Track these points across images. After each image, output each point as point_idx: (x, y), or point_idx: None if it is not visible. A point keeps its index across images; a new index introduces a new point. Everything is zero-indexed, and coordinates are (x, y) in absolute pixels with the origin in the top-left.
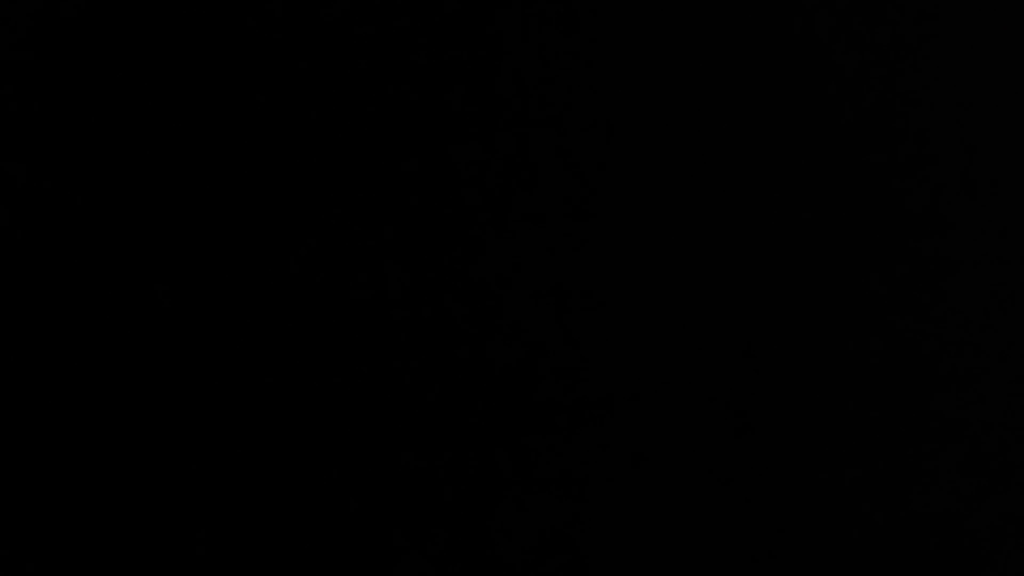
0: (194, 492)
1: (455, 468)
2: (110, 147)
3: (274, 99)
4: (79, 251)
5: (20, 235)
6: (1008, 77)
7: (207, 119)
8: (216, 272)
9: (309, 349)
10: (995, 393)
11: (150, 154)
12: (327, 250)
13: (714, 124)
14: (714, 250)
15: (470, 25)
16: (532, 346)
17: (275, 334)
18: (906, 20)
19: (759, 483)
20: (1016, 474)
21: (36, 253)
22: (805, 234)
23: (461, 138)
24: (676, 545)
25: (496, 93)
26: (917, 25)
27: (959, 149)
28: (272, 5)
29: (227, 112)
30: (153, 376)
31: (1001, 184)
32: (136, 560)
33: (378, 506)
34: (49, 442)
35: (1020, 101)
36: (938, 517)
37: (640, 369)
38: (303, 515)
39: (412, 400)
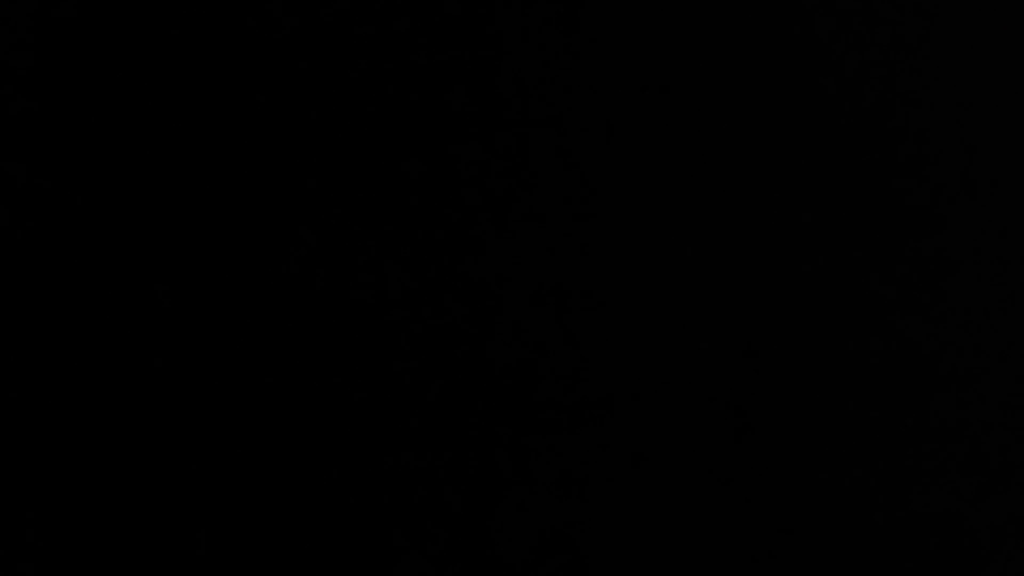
0: (194, 492)
1: (455, 468)
2: (110, 147)
3: (274, 99)
4: (79, 251)
5: (20, 235)
6: (1008, 77)
7: (207, 119)
8: (216, 272)
9: (309, 349)
10: (995, 393)
11: (150, 154)
12: (327, 250)
13: (714, 124)
14: (714, 250)
15: (470, 25)
16: (532, 346)
17: (275, 334)
18: (906, 20)
19: (759, 483)
20: (1016, 474)
21: (36, 253)
22: (805, 234)
23: (461, 138)
24: (676, 545)
25: (496, 93)
26: (917, 25)
27: (959, 149)
28: (272, 5)
29: (227, 112)
30: (153, 376)
31: (1001, 184)
32: (136, 560)
33: (378, 506)
34: (49, 442)
35: (1020, 101)
36: (938, 517)
37: (640, 369)
38: (303, 515)
39: (412, 400)
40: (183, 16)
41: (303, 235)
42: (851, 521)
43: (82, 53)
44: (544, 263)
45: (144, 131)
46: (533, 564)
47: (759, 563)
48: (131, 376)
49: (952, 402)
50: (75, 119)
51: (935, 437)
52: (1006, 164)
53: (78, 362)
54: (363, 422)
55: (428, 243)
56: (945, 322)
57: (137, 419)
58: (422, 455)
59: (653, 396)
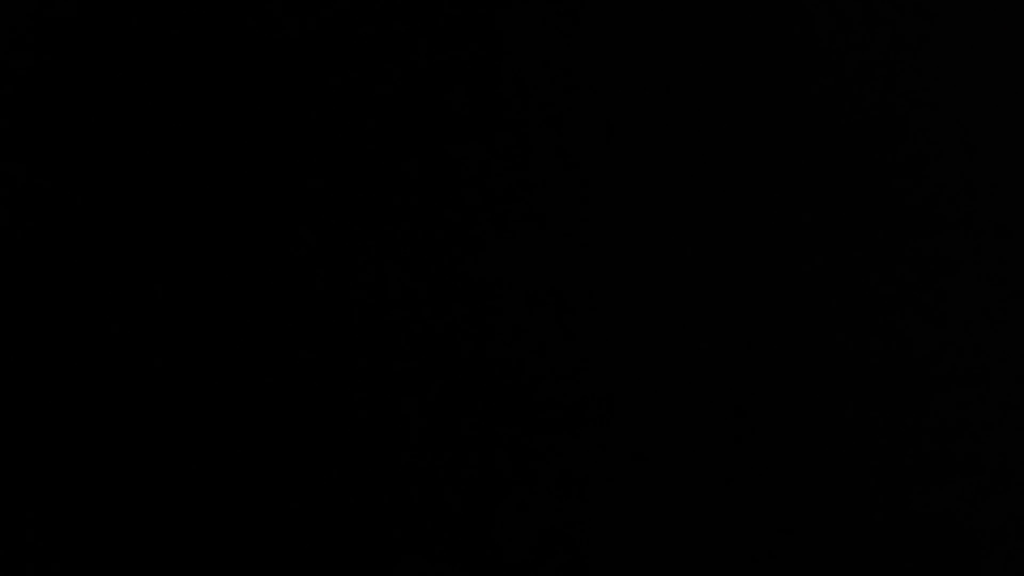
0: (194, 492)
1: (455, 468)
2: (110, 147)
3: (274, 99)
4: (79, 251)
5: (20, 235)
6: (1008, 77)
7: (208, 119)
8: (216, 272)
9: (309, 349)
10: (995, 393)
11: (150, 154)
12: (327, 250)
13: (714, 125)
14: (714, 250)
15: (470, 25)
16: (533, 346)
17: (275, 334)
18: (906, 20)
19: (759, 483)
20: (1016, 474)
21: (36, 253)
22: (805, 234)
23: (461, 138)
24: (676, 545)
25: (497, 93)
26: (917, 25)
27: (959, 149)
28: (272, 5)
29: (228, 112)
30: (153, 376)
31: (1001, 184)
32: (136, 560)
33: (378, 506)
34: (49, 442)
35: (1020, 101)
36: (937, 517)
37: (640, 369)
38: (303, 515)
39: (412, 400)
40: (183, 16)
41: (303, 235)
42: (851, 521)
43: (82, 53)
44: (544, 263)
45: (144, 131)
46: (533, 564)
47: (759, 563)
48: (131, 376)
49: (952, 402)
50: (75, 119)
51: (935, 437)
52: (1006, 164)
53: (78, 362)
54: (363, 422)
55: (428, 243)
56: (945, 322)
57: (137, 419)
58: (422, 455)
59: (653, 396)
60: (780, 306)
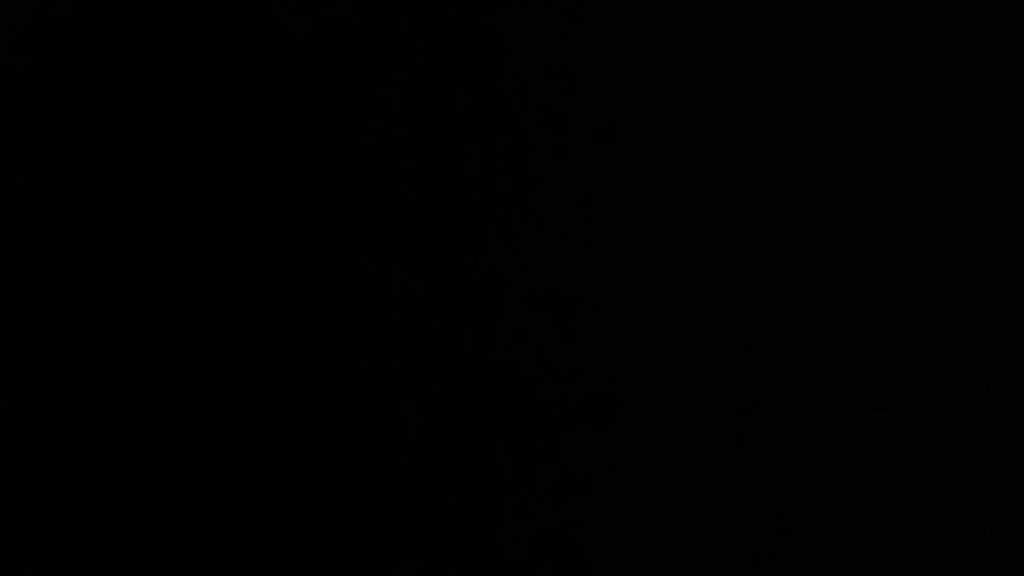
0: (194, 492)
1: (455, 469)
2: (110, 147)
3: (274, 99)
4: (79, 251)
5: (20, 235)
6: (1008, 76)
7: (209, 119)
8: (216, 272)
9: (309, 349)
10: (995, 393)
11: (150, 154)
12: (328, 250)
13: (714, 125)
14: (715, 250)
15: (471, 25)
16: (533, 346)
17: (275, 334)
18: (906, 20)
19: (759, 483)
20: (1016, 474)
21: (36, 253)
22: (805, 235)
23: (462, 138)
24: (677, 545)
25: (497, 93)
26: (917, 25)
27: (959, 149)
28: (273, 5)
29: (228, 112)
30: (153, 376)
31: (1002, 184)
32: (136, 560)
33: (379, 507)
34: (49, 442)
35: (1020, 101)
36: (938, 517)
37: (641, 369)
38: (304, 515)
39: (413, 400)
40: (183, 16)
41: (303, 235)
42: (851, 522)
43: (82, 53)
44: (545, 263)
45: (145, 131)
46: (534, 565)
47: (759, 563)
48: (131, 376)
49: (952, 402)
50: (75, 119)
51: (935, 437)
52: (1006, 164)
53: (78, 363)
54: (364, 422)
55: (429, 243)
56: (945, 322)
57: (137, 419)
58: (422, 455)
59: (653, 396)
60: (780, 306)
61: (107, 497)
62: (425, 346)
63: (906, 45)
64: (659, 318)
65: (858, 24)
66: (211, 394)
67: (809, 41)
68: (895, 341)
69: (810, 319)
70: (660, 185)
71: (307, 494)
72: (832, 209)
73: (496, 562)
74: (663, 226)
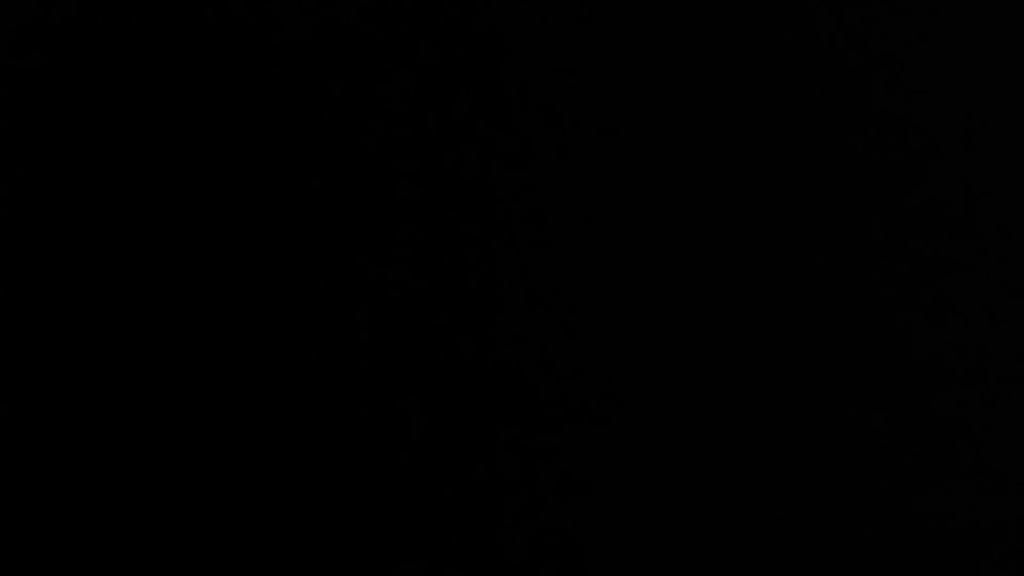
0: (194, 493)
1: (456, 469)
2: (110, 147)
3: (275, 99)
4: (79, 251)
5: (20, 235)
6: (1009, 76)
7: (209, 119)
8: (217, 272)
9: (310, 349)
10: (996, 393)
11: (151, 154)
12: (328, 250)
13: (714, 126)
14: (716, 250)
15: (472, 25)
16: (534, 346)
17: (276, 334)
18: (906, 20)
19: (760, 484)
20: (1016, 474)
21: (36, 253)
22: (805, 235)
23: (462, 138)
24: (677, 545)
25: (497, 93)
26: (917, 25)
27: (960, 149)
28: (273, 5)
29: (228, 112)
30: (153, 376)
31: (1002, 184)
32: (136, 560)
33: (379, 507)
34: (49, 442)
35: (1021, 101)
36: (938, 518)
37: (641, 369)
38: (304, 516)
39: (413, 400)
40: (183, 16)
41: (304, 235)
42: (852, 522)
43: (82, 53)
44: (546, 263)
45: (146, 131)
46: (535, 565)
47: (760, 563)
48: (131, 376)
49: (953, 402)
50: (75, 119)
51: (935, 437)
52: (1007, 164)
53: (78, 362)
54: (364, 423)
55: (429, 243)
56: (945, 322)
57: (137, 419)
58: (422, 456)
59: (654, 396)
60: (780, 306)
61: (107, 497)
62: (425, 346)
63: (906, 45)
64: (660, 318)
65: (858, 24)
66: (211, 394)
67: (809, 41)
68: (895, 341)
69: (810, 319)
70: (660, 185)
71: (307, 494)
72: (832, 209)
73: (496, 562)
74: (664, 226)
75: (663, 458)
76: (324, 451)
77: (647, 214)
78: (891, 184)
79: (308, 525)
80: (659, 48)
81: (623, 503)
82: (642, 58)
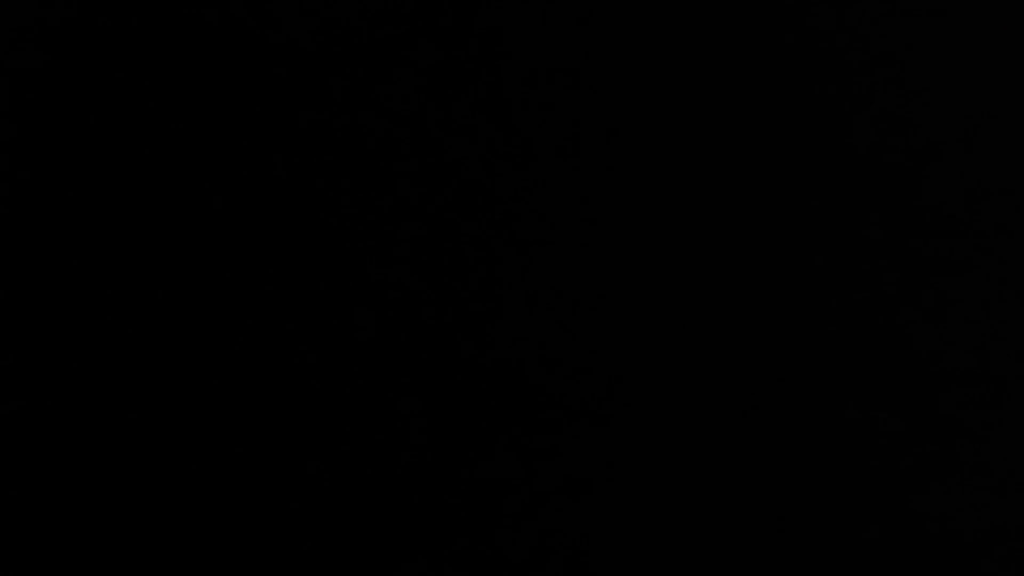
0: (194, 492)
1: (456, 469)
2: (111, 147)
3: (275, 99)
4: (79, 251)
5: (20, 235)
6: (1010, 76)
7: (209, 119)
8: (217, 272)
9: (311, 349)
10: (996, 393)
11: (151, 154)
12: (329, 250)
13: (714, 126)
14: (716, 250)
15: (471, 24)
16: (534, 346)
17: (277, 334)
18: (907, 20)
19: (761, 484)
20: (1017, 475)
21: (36, 253)
22: (806, 235)
23: (463, 138)
24: (679, 545)
25: (497, 93)
26: (917, 25)
27: (961, 149)
28: (273, 5)
29: (229, 112)
30: (153, 376)
31: (1002, 184)
32: (136, 560)
33: (379, 507)
34: (49, 442)
35: (1021, 101)
36: (938, 518)
37: (643, 369)
38: (304, 516)
39: (413, 400)
40: (184, 16)
41: (306, 235)
42: (852, 521)
43: (82, 53)
44: (546, 263)
45: (146, 131)
46: (535, 565)
47: (760, 563)
48: (131, 376)
49: (953, 402)
50: (76, 119)
51: (936, 437)
52: (1008, 163)
53: (79, 362)
54: (365, 423)
55: (430, 243)
56: (945, 322)
57: (137, 419)
58: (423, 456)
59: (655, 396)
60: (781, 306)
61: (107, 497)
62: (426, 346)
63: (906, 45)
64: (660, 318)
65: (858, 24)
66: (211, 394)
67: (810, 41)
68: (896, 341)
69: (811, 319)
70: (661, 185)
71: (308, 494)
72: (833, 209)
73: (497, 562)
74: (665, 226)
75: (664, 458)
76: (324, 451)
77: (648, 214)
78: (892, 184)
79: (308, 525)
80: (660, 48)
81: (624, 503)
82: (643, 58)
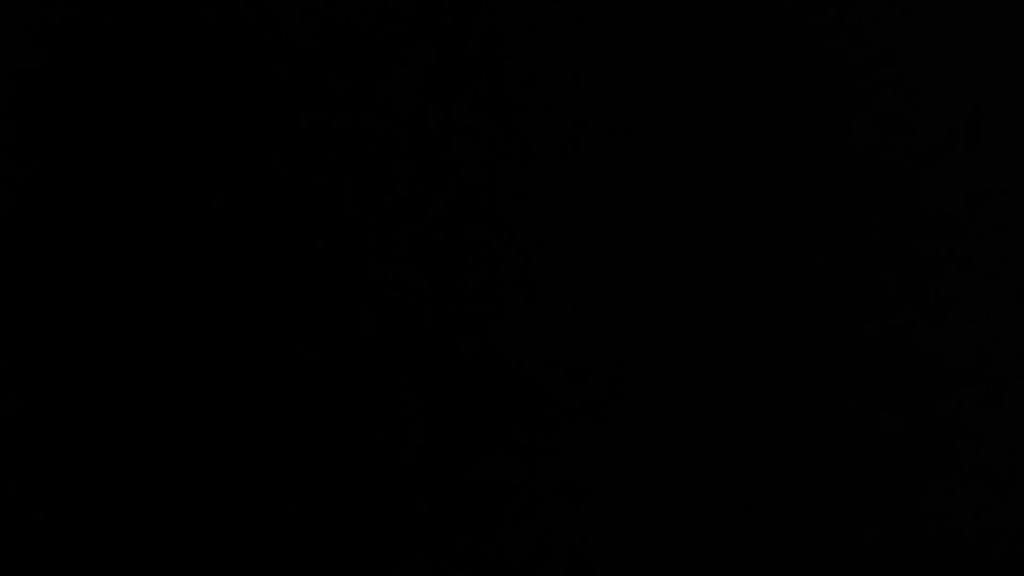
0: (194, 492)
1: (457, 469)
2: (111, 147)
3: (275, 99)
4: (80, 251)
5: (20, 235)
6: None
7: (210, 119)
8: (217, 272)
9: (313, 349)
10: (996, 393)
11: (152, 154)
12: (329, 250)
13: (715, 125)
14: (717, 250)
15: (471, 24)
16: (535, 346)
17: (279, 334)
18: (907, 20)
19: (761, 483)
20: (1017, 475)
21: (36, 253)
22: (807, 235)
23: (463, 137)
24: (679, 545)
25: (496, 92)
26: (918, 24)
27: (961, 149)
28: (272, 5)
29: (229, 112)
30: (153, 376)
31: (1003, 184)
32: (136, 560)
33: (379, 507)
34: (49, 442)
35: (1021, 101)
36: (939, 518)
37: (644, 369)
38: (305, 515)
39: (414, 400)
40: (184, 16)
41: (308, 234)
42: (853, 521)
43: (82, 53)
44: (547, 262)
45: (147, 132)
46: (535, 565)
47: (761, 563)
48: (131, 376)
49: (954, 402)
50: (76, 119)
51: (936, 437)
52: (1008, 163)
53: (79, 363)
54: (366, 423)
55: (430, 243)
56: (946, 322)
57: (137, 419)
58: (423, 455)
59: (656, 396)
60: (782, 306)
61: (107, 497)
62: (426, 346)
63: (906, 45)
64: (661, 318)
65: (858, 24)
66: (212, 394)
67: (810, 41)
68: (896, 341)
69: (811, 319)
70: (662, 185)
71: (308, 494)
72: (833, 209)
73: (497, 563)
74: (665, 226)
75: (664, 458)
76: (325, 451)
77: (648, 214)
78: (892, 184)
79: (308, 525)
80: (660, 48)
81: (624, 503)
82: (643, 58)
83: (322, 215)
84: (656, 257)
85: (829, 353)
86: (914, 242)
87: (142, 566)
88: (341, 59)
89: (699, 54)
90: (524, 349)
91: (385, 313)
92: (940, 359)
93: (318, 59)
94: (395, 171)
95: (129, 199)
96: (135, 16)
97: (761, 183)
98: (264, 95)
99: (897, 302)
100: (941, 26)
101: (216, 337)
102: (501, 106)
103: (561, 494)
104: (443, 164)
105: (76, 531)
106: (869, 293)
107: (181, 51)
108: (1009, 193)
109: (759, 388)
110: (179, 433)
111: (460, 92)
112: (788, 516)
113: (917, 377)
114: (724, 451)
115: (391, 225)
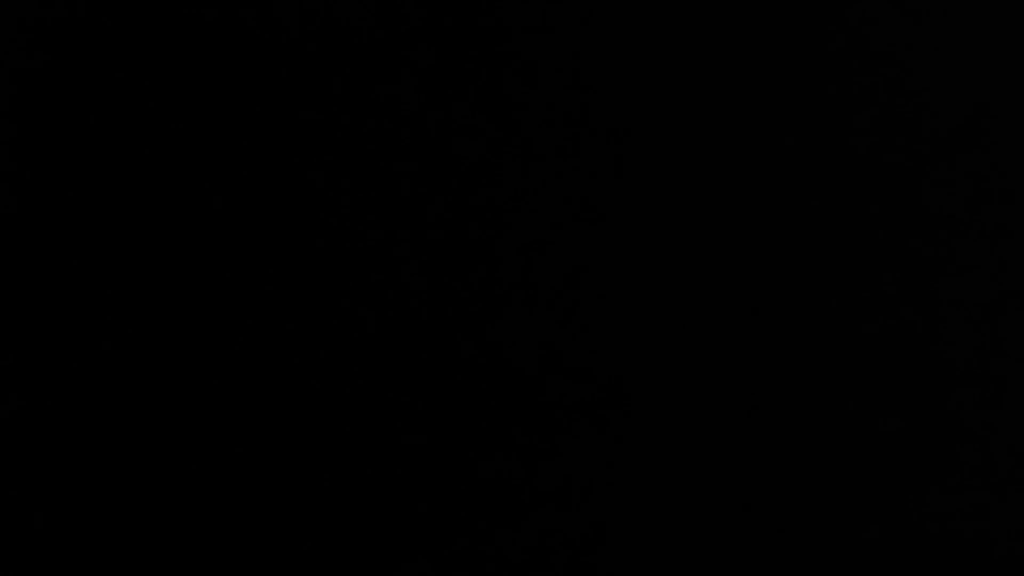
0: (194, 492)
1: (457, 469)
2: (111, 147)
3: (276, 99)
4: (80, 251)
5: (20, 235)
6: (1011, 75)
7: (210, 119)
8: (217, 272)
9: (314, 349)
10: (998, 394)
11: (152, 154)
12: (329, 250)
13: (717, 125)
14: (719, 250)
15: (472, 24)
16: (536, 346)
17: (280, 333)
18: (908, 19)
19: (762, 483)
20: (1018, 476)
21: (36, 253)
22: (808, 235)
23: (464, 137)
24: (680, 545)
25: (497, 92)
26: (919, 24)
27: (961, 149)
28: (272, 5)
29: (229, 112)
30: (153, 376)
31: (1003, 184)
32: (136, 560)
33: (379, 507)
34: (49, 442)
35: (1021, 101)
36: (939, 518)
37: (645, 369)
38: (304, 515)
39: (414, 400)
40: (184, 16)
41: (309, 234)
42: (854, 521)
43: (82, 53)
44: (548, 262)
45: (147, 132)
46: (536, 565)
47: (762, 563)
48: (131, 376)
49: (953, 402)
50: (76, 119)
51: (937, 438)
52: (1008, 163)
53: (79, 363)
54: (367, 423)
55: (430, 243)
56: (947, 322)
57: (137, 419)
58: (423, 455)
59: (656, 396)
60: (783, 306)
61: (107, 497)
62: (426, 346)
63: (906, 45)
64: (662, 317)
65: (859, 24)
66: (212, 394)
67: (810, 41)
68: (896, 341)
69: (811, 319)
70: (663, 185)
71: (308, 494)
72: (834, 209)
73: (497, 562)
74: (665, 226)
75: (665, 458)
76: (325, 451)
77: (648, 214)
78: (892, 184)
79: (308, 525)
80: (660, 48)
81: (624, 503)
82: (643, 58)
83: (322, 215)
84: (656, 257)
85: (829, 353)
86: (914, 242)
87: (142, 566)
88: (341, 59)
89: (699, 54)
90: (524, 350)
91: (385, 313)
92: (940, 359)
93: (318, 59)
94: (395, 171)
95: (129, 199)
96: (135, 16)
97: (762, 183)
98: (265, 95)
99: (897, 302)
100: (942, 26)
101: (216, 337)
102: (501, 106)
103: (561, 494)
104: (443, 164)
105: (76, 531)
106: (869, 293)
107: (181, 51)
108: (1009, 193)
109: (759, 388)
110: (179, 433)
111: (460, 92)
112: (788, 516)
113: (917, 377)
114: (724, 451)
115: (391, 225)
